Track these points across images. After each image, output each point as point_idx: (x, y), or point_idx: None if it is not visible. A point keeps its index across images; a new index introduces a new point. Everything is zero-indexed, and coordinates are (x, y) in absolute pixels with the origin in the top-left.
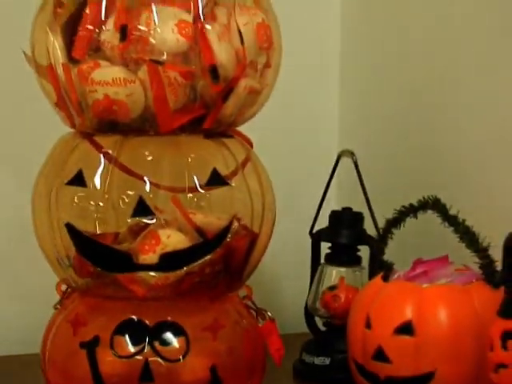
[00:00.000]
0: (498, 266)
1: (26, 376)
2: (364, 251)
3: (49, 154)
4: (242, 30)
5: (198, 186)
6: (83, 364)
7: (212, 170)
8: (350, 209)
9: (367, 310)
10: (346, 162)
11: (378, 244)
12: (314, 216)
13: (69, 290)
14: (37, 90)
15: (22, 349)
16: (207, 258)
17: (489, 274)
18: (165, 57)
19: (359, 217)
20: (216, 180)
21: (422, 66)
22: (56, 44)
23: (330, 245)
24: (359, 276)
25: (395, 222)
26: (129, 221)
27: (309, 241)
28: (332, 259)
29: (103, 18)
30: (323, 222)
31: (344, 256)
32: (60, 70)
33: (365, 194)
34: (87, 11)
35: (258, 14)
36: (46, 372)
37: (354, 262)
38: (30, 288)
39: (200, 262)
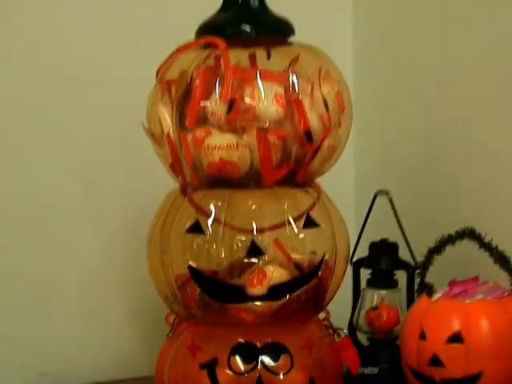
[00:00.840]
0: None
1: None
2: (400, 276)
3: (160, 208)
4: (326, 98)
5: (295, 229)
6: (203, 382)
7: (306, 215)
8: (386, 239)
9: (420, 324)
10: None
11: (423, 268)
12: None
13: (176, 320)
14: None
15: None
16: (304, 288)
17: None
18: (267, 124)
19: (395, 246)
20: (309, 222)
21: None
22: (168, 116)
23: (370, 271)
24: (397, 297)
25: (436, 249)
26: (245, 261)
27: (349, 269)
28: (373, 283)
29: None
30: (360, 253)
31: (383, 280)
32: (175, 138)
33: (400, 226)
34: (196, 85)
35: (335, 84)
36: None
37: (392, 285)
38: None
39: (298, 291)
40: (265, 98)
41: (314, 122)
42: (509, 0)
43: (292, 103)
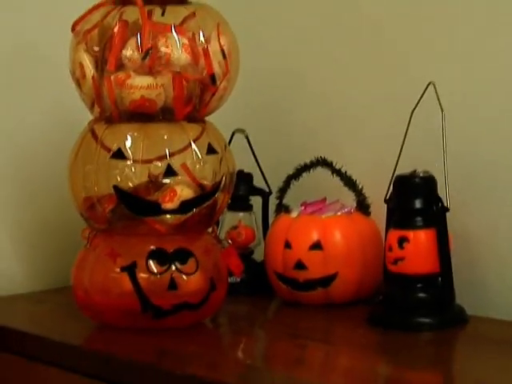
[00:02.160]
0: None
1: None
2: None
3: (78, 139)
4: (224, 49)
5: (199, 155)
6: (124, 283)
7: (208, 145)
8: (242, 170)
9: (285, 236)
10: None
11: (281, 192)
12: None
13: (91, 234)
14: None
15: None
16: (206, 204)
17: (363, 207)
18: (179, 69)
19: (250, 175)
20: (211, 150)
21: None
22: (89, 61)
23: None
24: (253, 218)
25: (294, 176)
26: (161, 181)
27: None
28: (232, 207)
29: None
30: None
31: (241, 204)
32: (98, 80)
33: (255, 159)
34: (115, 36)
35: (229, 37)
36: (86, 296)
37: (248, 208)
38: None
39: (201, 206)
40: (178, 47)
41: (216, 67)
42: None
43: (199, 52)
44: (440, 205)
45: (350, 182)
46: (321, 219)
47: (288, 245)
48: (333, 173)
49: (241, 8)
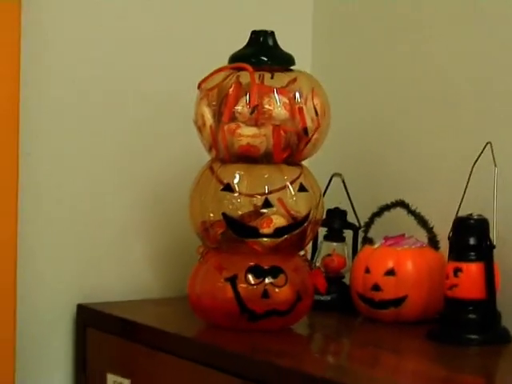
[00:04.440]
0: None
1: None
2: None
3: (198, 175)
4: (317, 108)
5: (292, 192)
6: (227, 290)
7: (299, 184)
8: (338, 207)
9: (366, 263)
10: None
11: (367, 227)
12: None
13: (204, 250)
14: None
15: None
16: (295, 231)
17: (433, 242)
18: (278, 122)
19: (344, 212)
20: (302, 188)
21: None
22: (209, 114)
23: (326, 229)
24: (345, 249)
25: (377, 213)
26: (260, 211)
27: None
28: (328, 238)
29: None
30: None
31: (335, 236)
32: (215, 128)
33: (349, 199)
34: (230, 94)
35: (321, 98)
36: (197, 300)
37: (342, 239)
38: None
39: (292, 234)
40: (278, 106)
41: (309, 122)
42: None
43: (295, 109)
44: (488, 243)
45: (422, 221)
46: (396, 251)
47: (368, 270)
48: (408, 212)
49: (338, 70)
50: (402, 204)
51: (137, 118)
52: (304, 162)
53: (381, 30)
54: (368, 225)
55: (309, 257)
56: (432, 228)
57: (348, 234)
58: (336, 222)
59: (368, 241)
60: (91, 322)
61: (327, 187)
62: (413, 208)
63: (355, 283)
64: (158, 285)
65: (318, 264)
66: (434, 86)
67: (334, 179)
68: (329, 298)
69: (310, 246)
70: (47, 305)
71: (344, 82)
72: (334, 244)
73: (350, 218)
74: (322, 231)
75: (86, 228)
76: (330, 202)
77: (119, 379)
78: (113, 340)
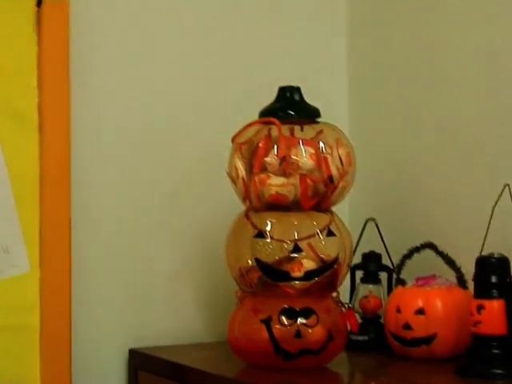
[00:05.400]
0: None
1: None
2: (382, 276)
3: (233, 223)
4: (342, 157)
5: (321, 237)
6: (263, 332)
7: (327, 229)
8: (374, 251)
9: (397, 303)
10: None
11: (398, 269)
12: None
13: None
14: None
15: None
16: (326, 274)
17: (461, 282)
18: (306, 172)
19: (379, 255)
20: (329, 233)
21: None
22: (241, 165)
23: (362, 272)
24: (381, 290)
25: (407, 256)
26: (291, 255)
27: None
28: (364, 280)
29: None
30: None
31: (371, 278)
32: (247, 179)
33: (383, 243)
34: (260, 147)
35: (346, 148)
36: (236, 342)
37: (377, 281)
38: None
39: (322, 276)
40: (304, 156)
41: (334, 171)
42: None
43: (321, 159)
44: (509, 280)
45: (450, 262)
46: (425, 291)
47: (399, 310)
48: (437, 254)
49: (372, 119)
50: (430, 245)
51: (183, 170)
52: (339, 209)
53: (407, 75)
54: (400, 266)
55: (347, 299)
56: (460, 268)
57: (383, 276)
58: (371, 265)
59: (400, 282)
60: (142, 366)
61: (362, 231)
62: (440, 249)
63: (388, 323)
64: (204, 329)
65: (356, 305)
66: (456, 132)
67: (368, 224)
68: (366, 338)
69: (348, 289)
70: (101, 350)
71: (376, 132)
72: (370, 286)
73: (385, 261)
74: (359, 274)
75: (138, 277)
76: (365, 246)
77: None
78: (163, 382)
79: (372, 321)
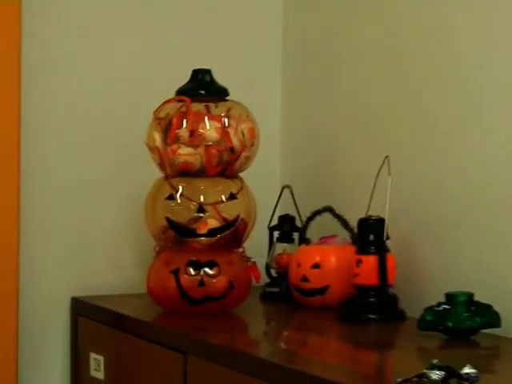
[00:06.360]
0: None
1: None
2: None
3: (152, 187)
4: (244, 131)
5: (224, 200)
6: (172, 281)
7: (230, 193)
8: (288, 214)
9: (298, 259)
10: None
11: (304, 229)
12: (270, 217)
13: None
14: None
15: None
16: (227, 232)
17: (354, 240)
18: (211, 143)
19: (293, 218)
20: (232, 197)
21: None
22: (158, 137)
23: (278, 232)
24: (294, 248)
25: (311, 218)
26: (195, 215)
27: (267, 231)
28: (280, 240)
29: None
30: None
31: (286, 238)
32: (162, 149)
33: (296, 208)
34: (174, 121)
35: (250, 123)
36: (152, 290)
37: (291, 241)
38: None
39: (224, 233)
40: (209, 129)
41: (236, 142)
42: None
43: (225, 132)
44: (384, 239)
45: (344, 223)
46: (323, 248)
47: (299, 264)
48: (334, 216)
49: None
50: (329, 209)
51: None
52: (260, 177)
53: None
54: (304, 227)
55: (265, 254)
56: (353, 229)
57: (297, 236)
58: (286, 226)
59: (305, 240)
60: (82, 312)
61: (280, 197)
62: (337, 212)
63: (291, 276)
64: (139, 281)
65: (272, 262)
66: (360, 115)
67: (284, 190)
68: (278, 289)
69: (267, 247)
70: (45, 298)
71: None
72: (285, 245)
73: (299, 224)
74: (276, 234)
75: (82, 233)
76: (283, 210)
77: (97, 356)
78: (98, 326)
79: (284, 275)
